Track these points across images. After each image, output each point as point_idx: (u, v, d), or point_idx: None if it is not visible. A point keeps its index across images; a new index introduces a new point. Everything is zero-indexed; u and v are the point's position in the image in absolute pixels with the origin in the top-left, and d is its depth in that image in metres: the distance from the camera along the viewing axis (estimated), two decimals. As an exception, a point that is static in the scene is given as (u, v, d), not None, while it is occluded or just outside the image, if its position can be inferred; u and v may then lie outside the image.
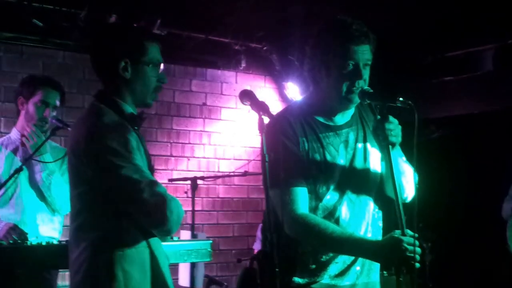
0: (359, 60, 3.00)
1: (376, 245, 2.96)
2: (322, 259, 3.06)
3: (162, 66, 3.06)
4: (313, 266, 3.06)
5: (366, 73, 3.04)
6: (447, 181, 6.20)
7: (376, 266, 3.20)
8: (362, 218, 3.13)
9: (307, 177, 3.04)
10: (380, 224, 3.24)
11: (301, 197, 3.01)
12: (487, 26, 5.63)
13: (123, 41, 2.98)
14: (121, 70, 2.94)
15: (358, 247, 2.98)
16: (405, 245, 2.81)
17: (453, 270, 6.25)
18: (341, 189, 3.08)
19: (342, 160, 3.10)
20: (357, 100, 3.05)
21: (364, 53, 3.01)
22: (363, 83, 3.03)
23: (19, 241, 4.00)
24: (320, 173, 3.06)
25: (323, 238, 2.96)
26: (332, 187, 3.06)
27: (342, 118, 3.17)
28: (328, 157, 3.07)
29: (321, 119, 3.13)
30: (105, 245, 2.82)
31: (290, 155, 3.02)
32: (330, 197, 3.06)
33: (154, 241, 2.94)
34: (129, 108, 2.98)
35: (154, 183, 2.79)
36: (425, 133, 6.19)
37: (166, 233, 2.91)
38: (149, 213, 2.77)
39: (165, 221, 2.77)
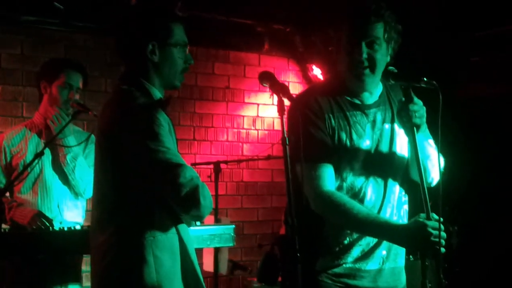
0: (362, 37, 2.98)
1: (401, 229, 2.91)
2: (345, 242, 3.04)
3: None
4: (336, 249, 3.04)
5: (370, 50, 3.00)
6: (474, 162, 6.11)
7: (402, 250, 3.16)
8: (387, 201, 3.08)
9: (331, 155, 3.01)
10: (406, 207, 3.20)
11: (328, 173, 2.99)
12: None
13: (149, 24, 2.97)
14: (149, 53, 2.94)
15: (382, 230, 2.93)
16: (430, 229, 2.77)
17: (480, 253, 6.17)
18: (367, 170, 3.05)
19: (368, 141, 3.06)
20: (366, 78, 3.03)
21: (370, 30, 2.99)
22: (366, 61, 3.00)
23: (42, 227, 3.99)
24: (345, 152, 3.03)
25: (348, 218, 2.93)
26: (356, 167, 3.04)
27: (370, 98, 3.13)
28: (354, 137, 3.04)
29: (348, 98, 3.10)
30: (135, 230, 2.81)
31: (316, 130, 3.01)
32: (355, 177, 3.04)
33: (182, 227, 2.93)
34: (157, 92, 2.98)
35: (188, 168, 2.77)
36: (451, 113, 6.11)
37: (197, 218, 2.97)
38: (183, 198, 2.74)
39: (198, 206, 2.76)
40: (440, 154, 2.98)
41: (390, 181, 3.09)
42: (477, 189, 6.21)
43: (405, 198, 3.19)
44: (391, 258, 3.10)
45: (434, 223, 2.78)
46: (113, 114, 2.88)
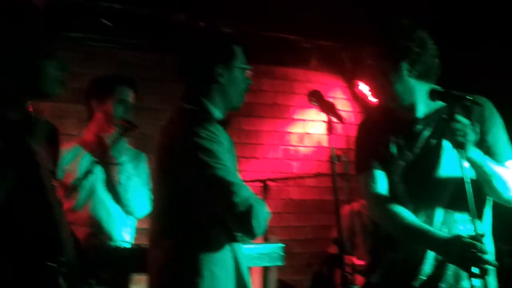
0: None
1: (442, 240, 2.89)
2: (389, 257, 3.08)
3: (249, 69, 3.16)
4: (384, 264, 3.09)
5: None
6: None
7: (463, 272, 2.99)
8: (427, 216, 3.03)
9: (383, 163, 3.11)
10: (465, 227, 3.04)
11: (382, 179, 3.09)
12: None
13: (218, 47, 3.07)
14: (217, 75, 3.01)
15: (424, 238, 2.95)
16: (467, 245, 2.75)
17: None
18: (407, 184, 3.06)
19: (408, 155, 3.08)
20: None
21: None
22: None
23: (96, 247, 3.98)
24: (386, 165, 3.09)
25: (395, 223, 3.00)
26: (395, 180, 3.07)
27: (422, 112, 3.11)
28: (394, 150, 3.08)
29: (399, 112, 3.14)
30: (193, 246, 2.85)
31: (368, 143, 3.16)
32: (397, 190, 3.07)
33: (237, 244, 2.97)
34: (217, 112, 3.05)
35: (245, 187, 2.82)
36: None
37: (251, 236, 2.92)
38: (237, 217, 2.77)
39: (251, 226, 2.78)
40: None
41: (433, 197, 3.04)
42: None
43: (462, 218, 3.04)
44: (449, 279, 3.01)
45: (471, 240, 2.76)
46: (176, 131, 2.96)
